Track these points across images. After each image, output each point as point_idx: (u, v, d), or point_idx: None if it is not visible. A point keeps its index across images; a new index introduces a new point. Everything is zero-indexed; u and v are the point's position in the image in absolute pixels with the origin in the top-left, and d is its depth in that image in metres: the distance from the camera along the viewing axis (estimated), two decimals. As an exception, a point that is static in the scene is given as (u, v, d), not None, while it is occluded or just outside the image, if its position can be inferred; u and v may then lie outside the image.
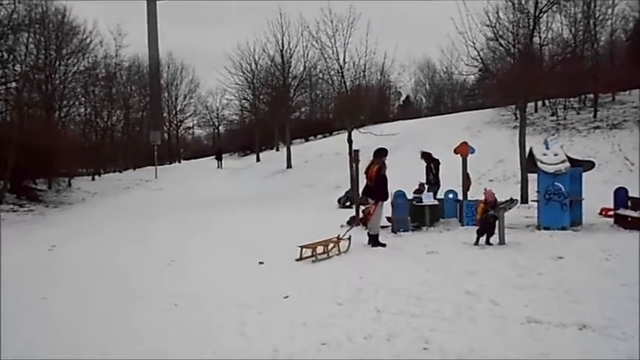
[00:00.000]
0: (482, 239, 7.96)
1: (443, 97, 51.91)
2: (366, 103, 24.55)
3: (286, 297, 5.37)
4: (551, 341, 3.72)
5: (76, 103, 31.83)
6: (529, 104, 24.60)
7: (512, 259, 6.70)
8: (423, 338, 3.89)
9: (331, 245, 7.75)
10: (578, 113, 24.28)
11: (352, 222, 10.14)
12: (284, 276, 6.38)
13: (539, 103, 26.66)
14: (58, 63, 28.35)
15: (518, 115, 17.18)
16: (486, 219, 7.96)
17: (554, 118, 24.49)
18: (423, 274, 6.16)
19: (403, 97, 56.87)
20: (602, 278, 5.58)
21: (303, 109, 41.95)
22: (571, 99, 25.25)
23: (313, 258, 7.27)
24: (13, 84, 24.86)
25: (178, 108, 49.20)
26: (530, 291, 5.12)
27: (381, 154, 8.63)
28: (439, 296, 5.05)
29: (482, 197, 8.44)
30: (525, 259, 6.68)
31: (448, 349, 3.66)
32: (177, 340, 4.26)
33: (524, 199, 12.96)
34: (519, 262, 6.55)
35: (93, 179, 30.52)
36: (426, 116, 39.90)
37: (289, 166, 27.32)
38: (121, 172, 36.04)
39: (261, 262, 7.26)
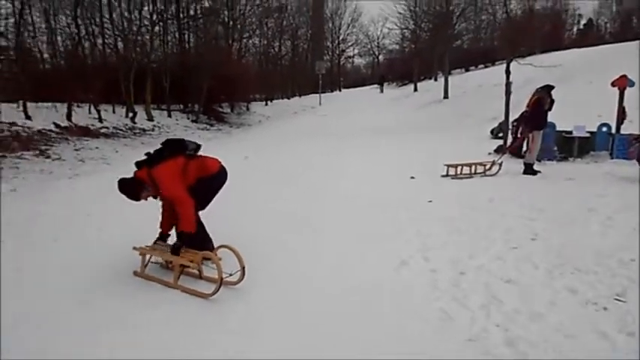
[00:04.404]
0: None
1: (632, 20, 45.56)
2: (532, 30, 23.35)
3: (430, 201, 6.77)
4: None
5: (252, 35, 35.31)
6: None
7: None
8: (534, 233, 5.03)
9: (476, 167, 8.81)
10: None
11: (499, 150, 10.88)
12: (430, 187, 7.76)
13: None
14: (238, -2, 31.47)
15: None
16: None
17: None
18: (554, 193, 7.02)
19: (583, 21, 51.23)
20: None
21: (465, 38, 40.67)
22: None
23: (456, 175, 8.48)
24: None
25: (341, 37, 50.95)
26: (648, 212, 5.75)
27: (545, 89, 9.09)
28: (561, 210, 5.99)
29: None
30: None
31: (551, 241, 4.75)
32: (353, 218, 5.98)
33: None
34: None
35: (266, 104, 34.16)
36: (606, 43, 35.93)
37: (446, 96, 27.51)
38: (288, 98, 39.52)
39: (412, 177, 8.68)
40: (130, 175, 4.28)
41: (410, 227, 5.49)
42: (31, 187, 9.31)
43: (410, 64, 37.89)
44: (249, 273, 3.88)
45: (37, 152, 12.36)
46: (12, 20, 18.26)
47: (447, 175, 8.57)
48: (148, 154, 4.32)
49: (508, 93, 11.57)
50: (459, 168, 8.60)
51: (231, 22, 30.95)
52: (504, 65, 13.56)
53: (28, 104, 15.27)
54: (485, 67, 37.36)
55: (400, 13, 36.21)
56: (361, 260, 4.52)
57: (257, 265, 4.13)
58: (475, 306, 3.45)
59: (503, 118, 12.46)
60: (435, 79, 36.83)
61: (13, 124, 13.78)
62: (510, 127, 11.73)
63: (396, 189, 7.83)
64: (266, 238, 5.19)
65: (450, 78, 28.95)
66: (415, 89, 34.72)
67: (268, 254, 4.63)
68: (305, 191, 7.98)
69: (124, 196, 4.26)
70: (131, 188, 4.20)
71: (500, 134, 14.42)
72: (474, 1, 32.54)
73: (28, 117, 14.78)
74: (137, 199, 4.23)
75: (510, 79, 12.18)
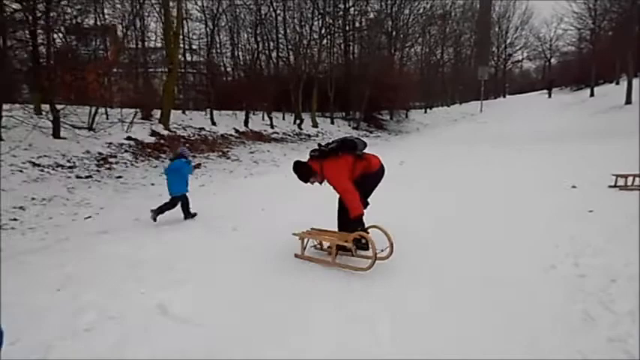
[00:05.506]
0: None
1: None
2: None
3: (590, 211, 6.42)
4: None
5: (414, 42, 35.56)
6: None
7: None
8: None
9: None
10: None
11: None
12: (593, 197, 7.28)
13: None
14: (401, 8, 32.00)
15: None
16: None
17: None
18: None
19: None
20: None
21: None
22: None
23: (627, 186, 7.82)
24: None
25: (508, 41, 48.53)
26: None
27: None
28: None
29: None
30: None
31: None
32: (506, 220, 6.03)
33: None
34: None
35: (425, 112, 34.19)
36: None
37: (629, 101, 24.60)
38: (448, 106, 38.95)
39: (573, 186, 8.22)
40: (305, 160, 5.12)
41: (564, 233, 5.35)
42: (215, 184, 10.90)
43: (587, 66, 34.59)
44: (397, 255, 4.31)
45: (220, 153, 14.32)
46: (204, 40, 21.29)
47: (616, 186, 7.92)
48: (320, 145, 5.04)
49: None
50: (629, 178, 7.89)
51: (394, 32, 31.62)
52: None
53: (214, 112, 17.70)
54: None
55: (576, 13, 33.28)
56: (508, 259, 4.64)
57: (405, 252, 4.52)
58: (622, 311, 3.38)
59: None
60: (617, 83, 33.09)
61: (202, 129, 16.10)
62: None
63: (554, 196, 7.54)
64: (416, 231, 5.61)
65: (635, 81, 25.82)
66: (592, 94, 31.65)
67: (416, 246, 5.01)
68: (457, 192, 8.20)
69: (295, 176, 5.11)
70: (304, 171, 5.03)
71: (692, 143, 12.67)
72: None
73: (213, 123, 17.13)
74: (305, 181, 5.07)
75: None
